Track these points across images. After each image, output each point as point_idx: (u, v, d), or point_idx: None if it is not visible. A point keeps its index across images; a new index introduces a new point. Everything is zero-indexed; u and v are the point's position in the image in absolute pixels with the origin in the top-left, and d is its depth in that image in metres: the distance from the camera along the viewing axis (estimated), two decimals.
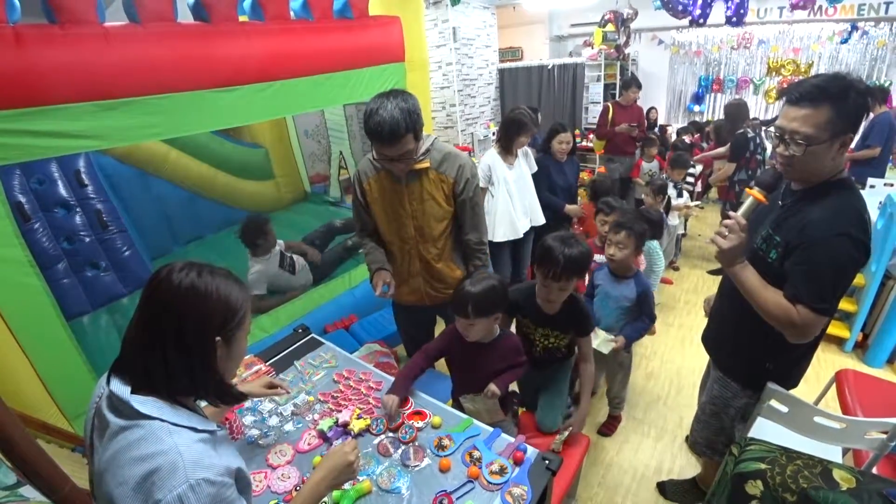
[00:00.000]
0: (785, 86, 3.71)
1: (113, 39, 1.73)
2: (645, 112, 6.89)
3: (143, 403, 0.77)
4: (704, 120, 7.09)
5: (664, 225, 3.21)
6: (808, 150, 1.18)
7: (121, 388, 0.78)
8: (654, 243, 2.91)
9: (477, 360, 1.64)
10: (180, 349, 0.80)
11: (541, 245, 1.68)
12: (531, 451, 1.33)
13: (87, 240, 2.70)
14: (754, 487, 1.27)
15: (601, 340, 2.09)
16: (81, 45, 1.68)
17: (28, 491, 1.26)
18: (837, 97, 1.14)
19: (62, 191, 2.65)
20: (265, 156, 4.33)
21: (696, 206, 4.01)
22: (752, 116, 5.59)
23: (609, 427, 2.43)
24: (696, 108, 7.47)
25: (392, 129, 1.55)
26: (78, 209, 2.70)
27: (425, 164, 1.76)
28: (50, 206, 2.58)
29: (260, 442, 1.42)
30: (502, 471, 1.27)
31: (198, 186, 3.99)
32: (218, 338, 0.83)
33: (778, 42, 6.56)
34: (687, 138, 5.88)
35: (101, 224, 2.79)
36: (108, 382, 0.82)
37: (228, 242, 3.56)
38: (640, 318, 2.14)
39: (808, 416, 1.49)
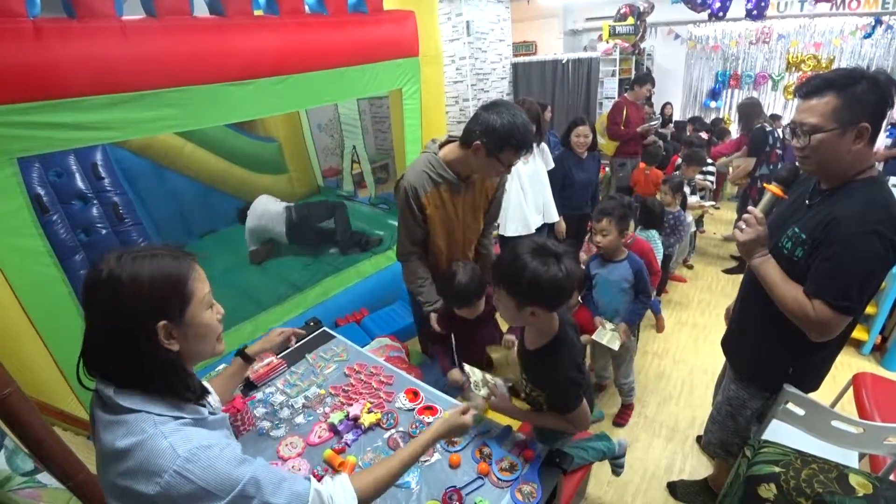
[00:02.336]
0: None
1: (130, 33, 1.75)
2: (660, 108, 6.83)
3: (127, 398, 0.77)
4: (721, 116, 6.98)
5: (664, 217, 3.14)
6: (814, 139, 1.18)
7: (105, 386, 0.78)
8: (654, 232, 2.95)
9: (474, 333, 1.91)
10: (121, 341, 0.77)
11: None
12: (541, 449, 1.33)
13: (104, 232, 2.73)
14: (768, 491, 1.25)
15: (609, 337, 2.12)
16: (99, 39, 1.70)
17: (45, 477, 1.29)
18: (842, 86, 1.14)
19: (80, 183, 2.69)
20: (278, 150, 4.36)
21: (711, 205, 3.94)
22: (771, 113, 5.48)
23: (622, 417, 2.42)
24: (713, 104, 7.35)
25: (532, 136, 1.58)
26: (95, 202, 2.73)
27: None
28: (68, 198, 2.62)
29: (271, 434, 1.43)
30: (512, 468, 1.27)
31: (212, 180, 4.03)
32: (163, 321, 0.78)
33: (798, 37, 6.41)
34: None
35: (118, 216, 2.83)
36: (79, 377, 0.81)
37: (242, 235, 3.60)
38: (636, 298, 2.17)
39: (825, 420, 1.46)
